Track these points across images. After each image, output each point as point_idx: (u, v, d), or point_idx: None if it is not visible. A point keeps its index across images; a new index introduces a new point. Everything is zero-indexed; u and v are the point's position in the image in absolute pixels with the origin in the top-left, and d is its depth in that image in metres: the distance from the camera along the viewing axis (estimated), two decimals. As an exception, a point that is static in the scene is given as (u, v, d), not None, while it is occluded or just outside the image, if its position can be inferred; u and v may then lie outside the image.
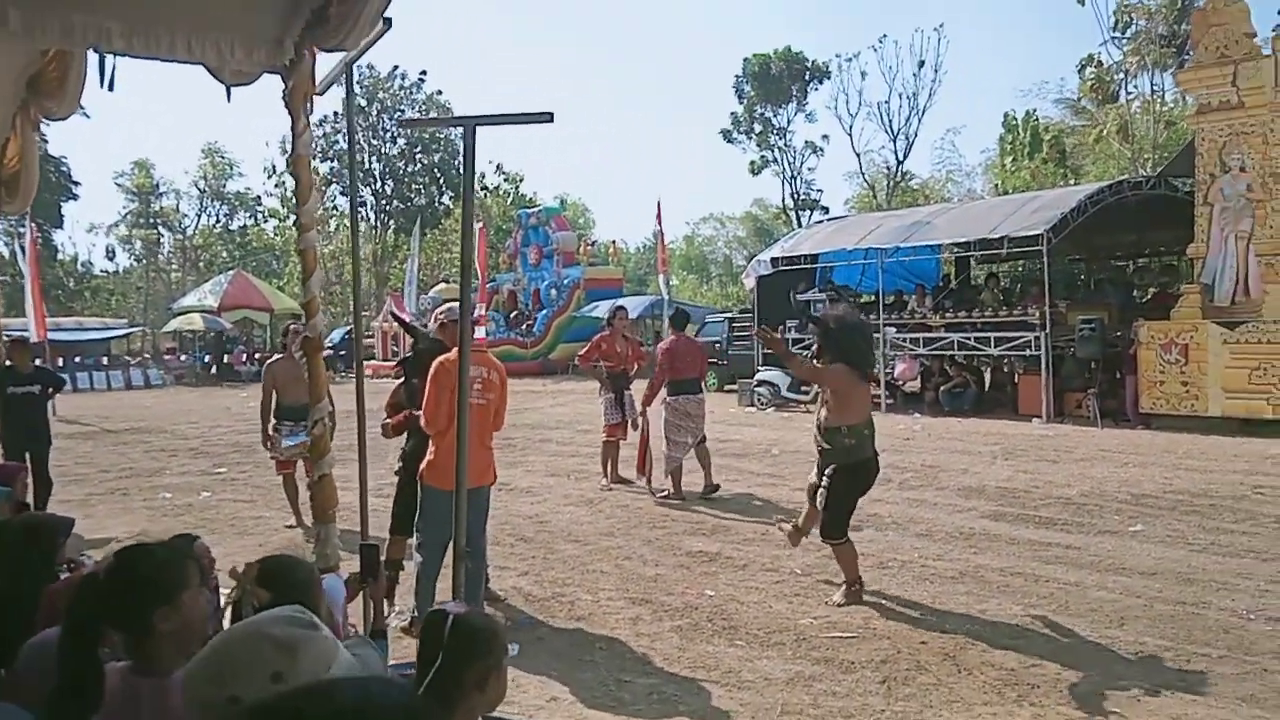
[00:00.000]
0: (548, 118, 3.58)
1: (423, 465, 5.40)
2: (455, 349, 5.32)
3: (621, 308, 10.89)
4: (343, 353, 29.42)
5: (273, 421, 8.18)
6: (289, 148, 3.90)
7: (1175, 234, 15.48)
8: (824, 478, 5.96)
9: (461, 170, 3.65)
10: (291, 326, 8.88)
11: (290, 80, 3.73)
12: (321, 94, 4.19)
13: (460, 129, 3.59)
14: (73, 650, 2.01)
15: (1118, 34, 30.96)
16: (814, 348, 6.43)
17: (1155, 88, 30.29)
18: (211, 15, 3.41)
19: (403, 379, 6.40)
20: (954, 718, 4.10)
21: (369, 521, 4.41)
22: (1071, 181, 29.39)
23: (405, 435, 6.16)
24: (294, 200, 3.89)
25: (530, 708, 4.28)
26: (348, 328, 33.52)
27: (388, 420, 6.28)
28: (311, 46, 3.68)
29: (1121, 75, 31.15)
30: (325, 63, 4.06)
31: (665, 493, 9.20)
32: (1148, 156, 27.87)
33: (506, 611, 5.76)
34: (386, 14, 3.51)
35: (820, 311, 6.57)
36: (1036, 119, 34.84)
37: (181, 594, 2.04)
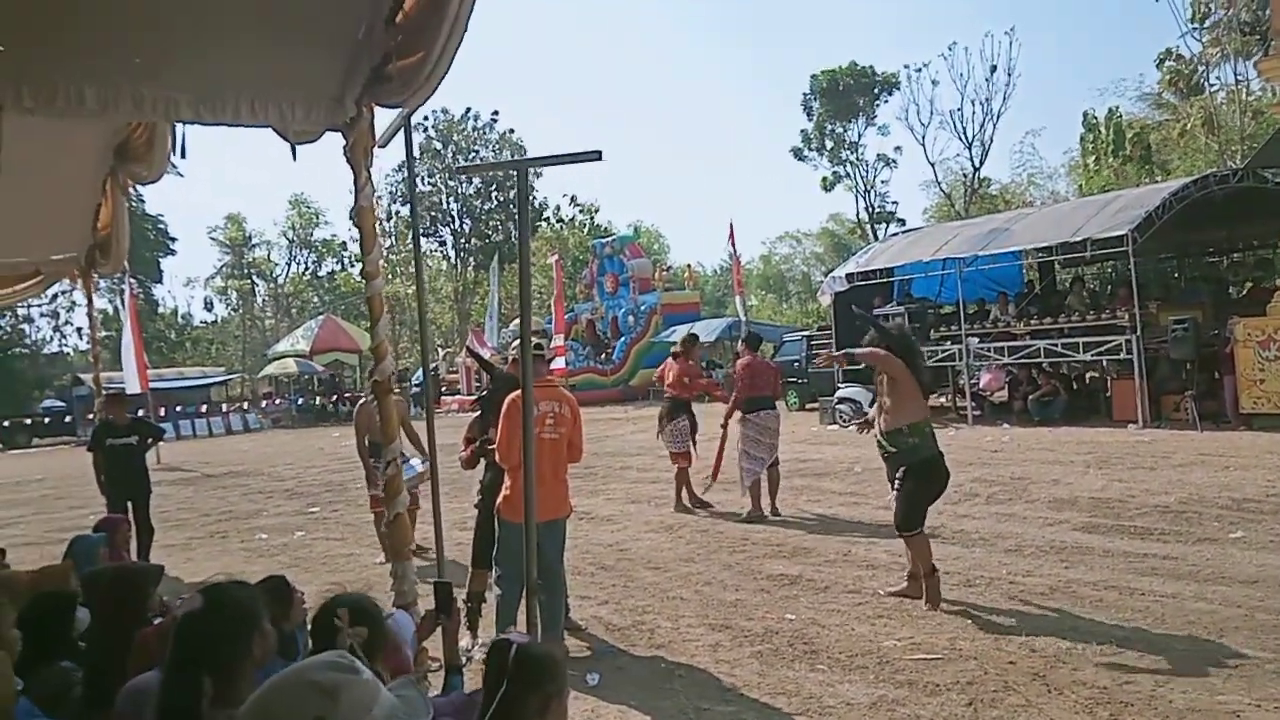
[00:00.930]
0: (596, 156, 3.67)
1: (499, 499, 5.50)
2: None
3: (694, 334, 10.95)
4: (423, 389, 30.01)
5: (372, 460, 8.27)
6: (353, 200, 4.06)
7: (1268, 226, 14.89)
8: (894, 483, 6.06)
9: (521, 205, 3.74)
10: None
11: (350, 137, 3.89)
12: (383, 146, 4.35)
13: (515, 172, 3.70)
14: (176, 686, 2.15)
15: (1196, 25, 29.96)
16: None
17: (1239, 77, 29.21)
18: (273, 79, 3.58)
19: (479, 413, 6.54)
20: (1043, 739, 3.99)
21: (444, 556, 4.49)
22: (1158, 178, 28.45)
23: (483, 468, 6.26)
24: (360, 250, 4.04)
25: (610, 738, 4.31)
26: (434, 365, 34.25)
27: (463, 453, 6.42)
28: (370, 104, 3.83)
29: (1203, 67, 30.10)
30: (385, 115, 4.23)
31: (747, 511, 9.26)
32: (1236, 148, 26.82)
33: (587, 640, 5.80)
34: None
35: (890, 322, 6.67)
36: (1119, 116, 33.87)
37: (263, 626, 2.17)
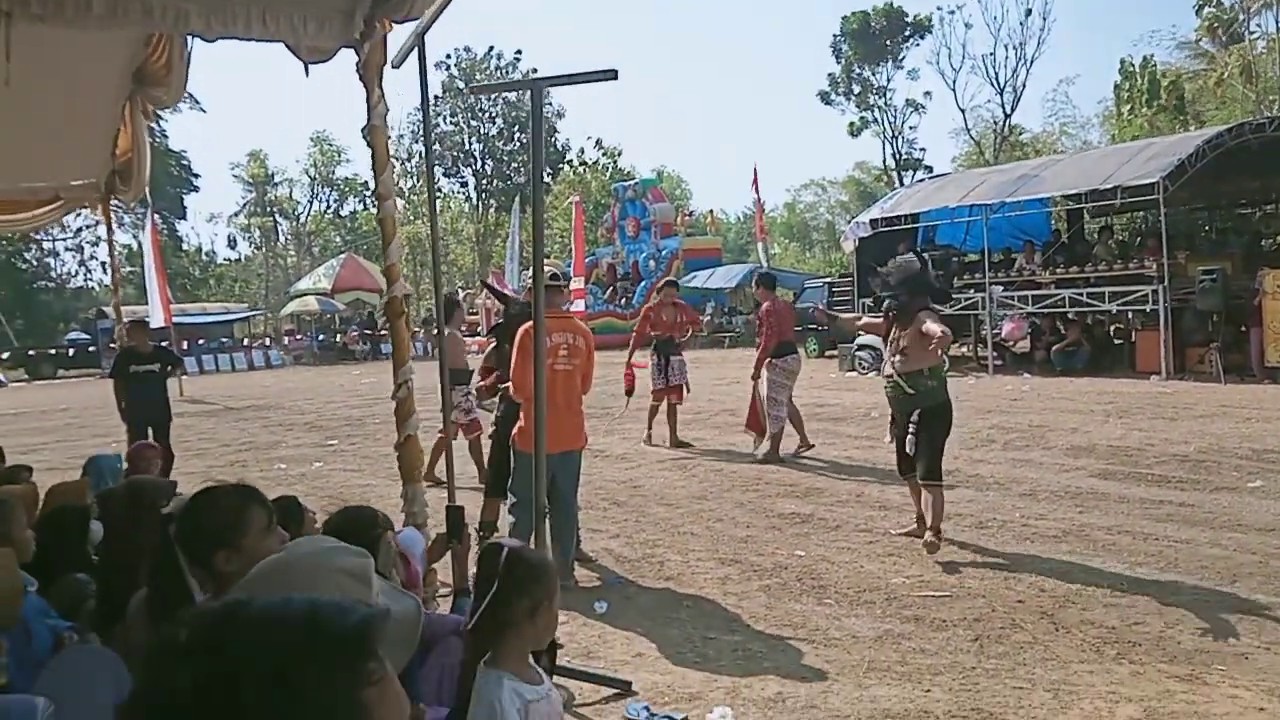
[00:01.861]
0: (612, 75, 3.59)
1: (514, 430, 5.51)
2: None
3: (671, 280, 11.74)
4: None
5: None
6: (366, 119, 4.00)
7: (1304, 178, 14.54)
8: (911, 424, 5.98)
9: (535, 127, 3.68)
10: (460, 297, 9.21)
11: (362, 54, 3.83)
12: (397, 67, 4.28)
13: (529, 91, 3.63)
14: (161, 577, 2.18)
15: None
16: (886, 304, 6.35)
17: (1281, 25, 28.39)
18: (283, -8, 3.51)
19: (495, 344, 6.52)
20: (1048, 675, 3.99)
21: (455, 483, 4.51)
22: (1192, 128, 27.83)
23: (498, 400, 6.27)
24: (372, 170, 4.00)
25: (616, 662, 4.35)
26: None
27: (481, 383, 6.42)
28: (382, 19, 3.76)
29: (1244, 15, 29.23)
30: (399, 38, 4.15)
31: (763, 453, 9.29)
32: (1274, 98, 26.17)
33: (597, 571, 5.84)
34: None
35: (889, 269, 6.46)
36: (1154, 65, 33.04)
37: (243, 539, 2.15)
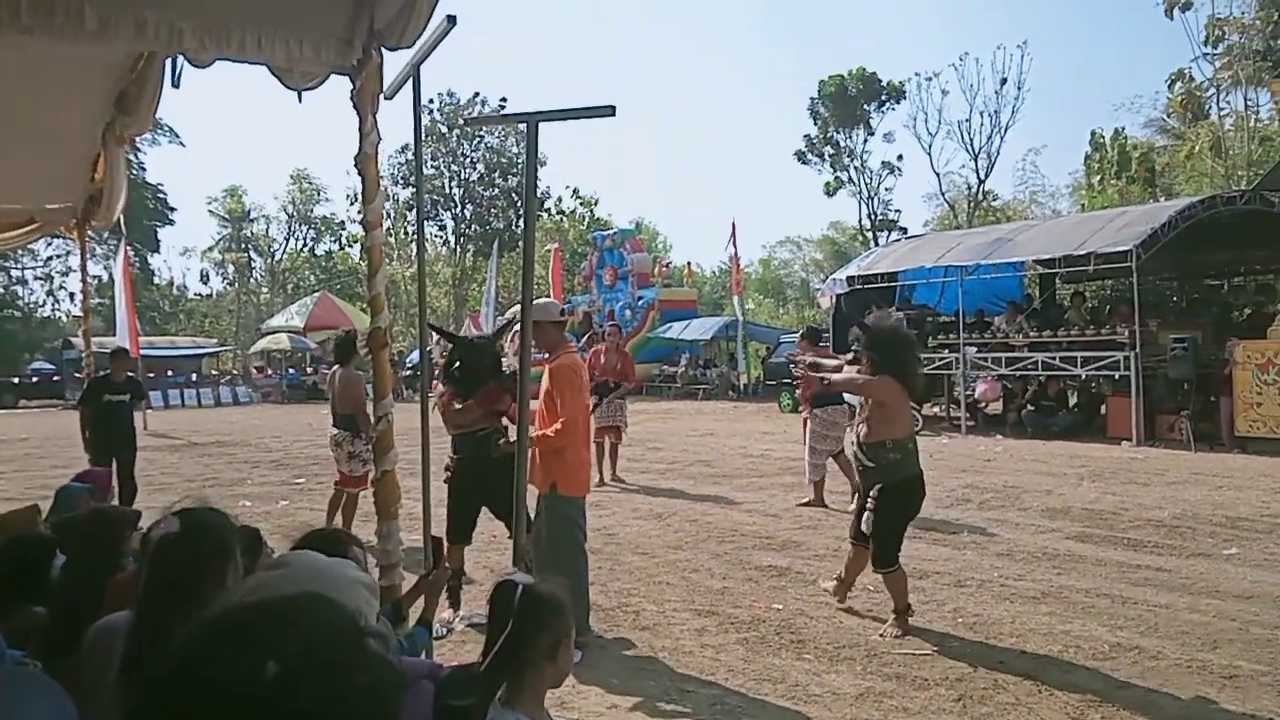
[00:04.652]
0: (610, 111, 3.58)
1: (557, 475, 5.24)
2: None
3: (615, 325, 13.04)
4: (419, 372, 29.85)
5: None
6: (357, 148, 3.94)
7: (1272, 251, 14.85)
8: (869, 499, 5.51)
9: (529, 162, 3.64)
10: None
11: (358, 80, 3.78)
12: (390, 98, 4.24)
13: (523, 125, 3.60)
14: (153, 611, 2.05)
15: (1210, 49, 29.93)
16: (855, 357, 6.02)
17: (1250, 103, 29.20)
18: (280, 13, 3.47)
19: (457, 380, 6.08)
20: (1033, 738, 3.90)
21: (431, 521, 4.39)
22: (1162, 201, 28.45)
23: (452, 445, 5.97)
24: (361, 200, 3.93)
25: (590, 714, 4.21)
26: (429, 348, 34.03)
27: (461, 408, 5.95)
28: (378, 45, 3.72)
29: (1213, 91, 30.08)
30: (393, 70, 4.11)
31: (807, 500, 9.46)
32: (1242, 174, 26.79)
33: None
34: (450, 13, 3.54)
35: (872, 319, 5.95)
36: (1124, 137, 33.83)
37: (236, 555, 2.08)
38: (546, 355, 5.41)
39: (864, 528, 5.56)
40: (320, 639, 0.83)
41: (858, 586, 6.28)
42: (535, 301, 5.20)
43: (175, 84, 3.41)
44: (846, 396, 8.74)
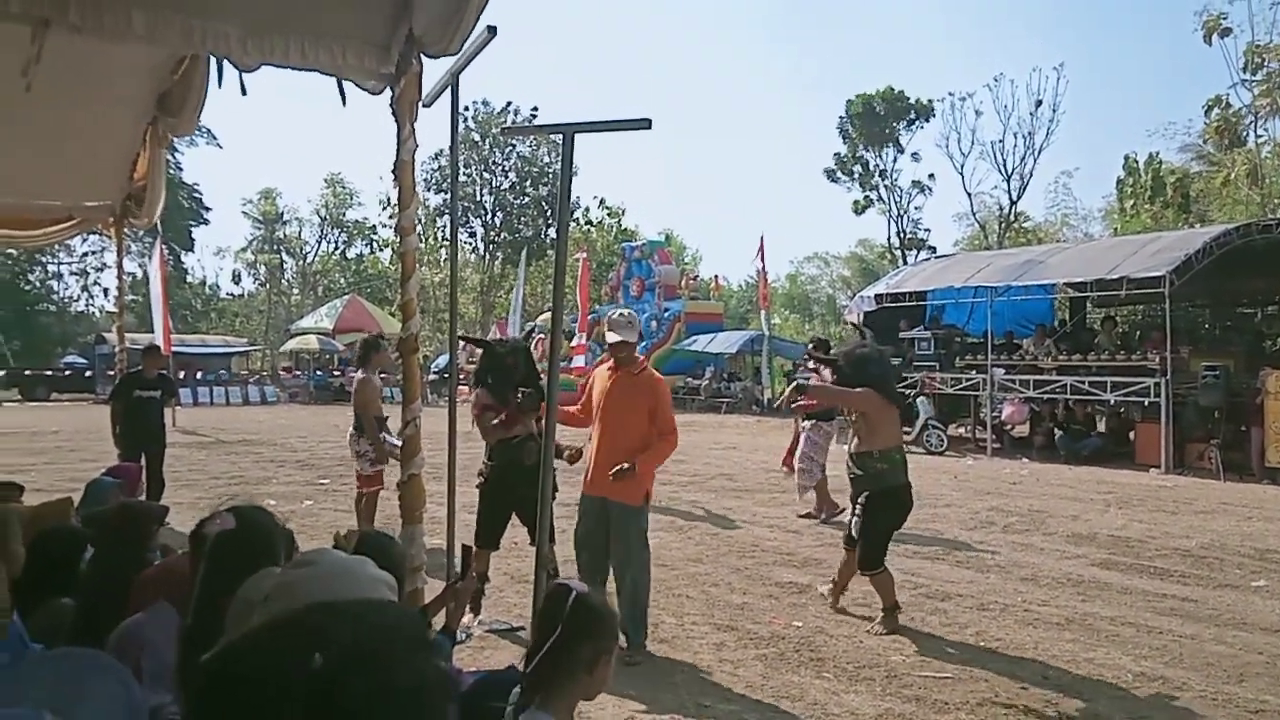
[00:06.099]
0: (646, 124, 3.59)
1: (637, 481, 5.28)
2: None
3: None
4: (446, 375, 30.02)
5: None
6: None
7: (1309, 280, 14.60)
8: (856, 506, 5.90)
9: (564, 173, 3.66)
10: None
11: (397, 88, 3.82)
12: (428, 105, 4.29)
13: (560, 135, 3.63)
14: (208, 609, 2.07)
15: (1248, 76, 29.60)
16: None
17: (1288, 132, 28.83)
18: (325, 21, 3.52)
19: (489, 383, 6.12)
20: (1053, 766, 3.86)
21: (456, 530, 4.41)
22: (1196, 226, 28.14)
23: (487, 451, 6.00)
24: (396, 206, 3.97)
25: (607, 725, 4.21)
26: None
27: (495, 421, 5.97)
28: (418, 53, 3.77)
29: (1251, 118, 29.72)
30: (431, 77, 4.16)
31: (809, 511, 9.57)
32: (1278, 202, 26.47)
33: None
34: (491, 22, 3.58)
35: (838, 351, 6.47)
36: (1159, 162, 33.51)
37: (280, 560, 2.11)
38: (615, 362, 5.44)
39: (853, 532, 5.94)
40: (371, 638, 0.84)
41: (876, 605, 6.24)
42: (617, 314, 5.42)
43: (218, 84, 3.46)
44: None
